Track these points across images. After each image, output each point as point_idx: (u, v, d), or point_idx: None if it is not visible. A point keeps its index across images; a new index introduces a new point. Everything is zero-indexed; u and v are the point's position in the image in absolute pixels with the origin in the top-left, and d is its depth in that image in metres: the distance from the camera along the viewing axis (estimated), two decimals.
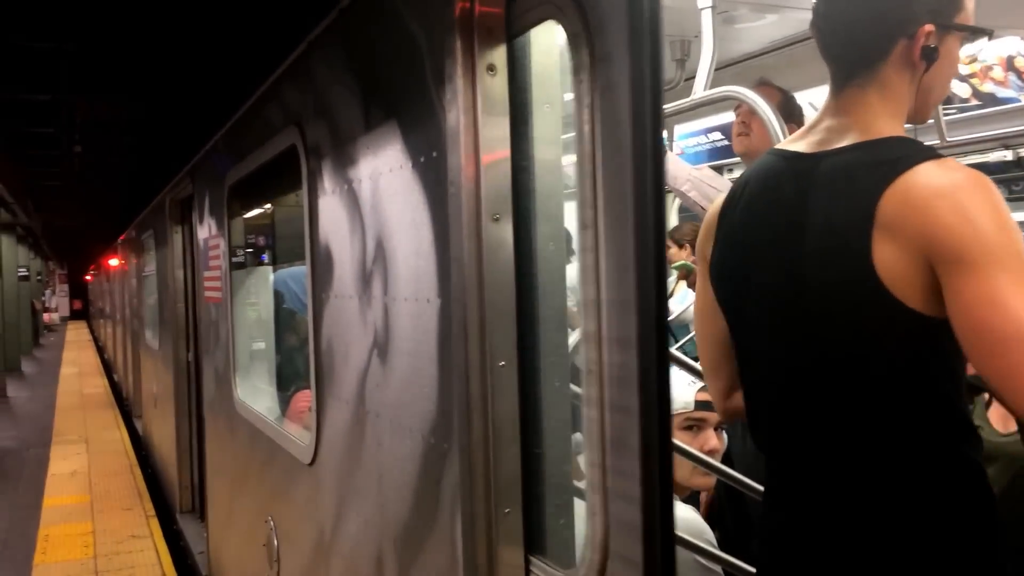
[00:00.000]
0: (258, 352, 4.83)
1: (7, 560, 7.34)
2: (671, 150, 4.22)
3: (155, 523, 7.69)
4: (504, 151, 1.95)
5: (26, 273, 24.51)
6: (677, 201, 6.08)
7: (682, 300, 5.71)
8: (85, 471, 9.75)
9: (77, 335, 32.15)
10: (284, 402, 4.43)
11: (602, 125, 1.49)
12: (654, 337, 1.38)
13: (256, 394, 4.53)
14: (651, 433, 1.39)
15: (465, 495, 1.97)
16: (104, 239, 22.10)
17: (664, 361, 1.39)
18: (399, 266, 2.31)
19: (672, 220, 6.43)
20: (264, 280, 4.92)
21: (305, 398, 4.24)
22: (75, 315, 44.39)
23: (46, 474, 9.75)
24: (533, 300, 1.94)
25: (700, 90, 2.84)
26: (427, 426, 2.18)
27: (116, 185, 13.02)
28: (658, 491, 1.41)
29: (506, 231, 1.95)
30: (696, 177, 3.76)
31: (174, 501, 7.63)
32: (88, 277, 39.07)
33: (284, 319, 4.63)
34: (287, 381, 4.57)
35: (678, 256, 5.99)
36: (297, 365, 4.63)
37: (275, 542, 3.70)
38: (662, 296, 1.39)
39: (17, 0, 5.06)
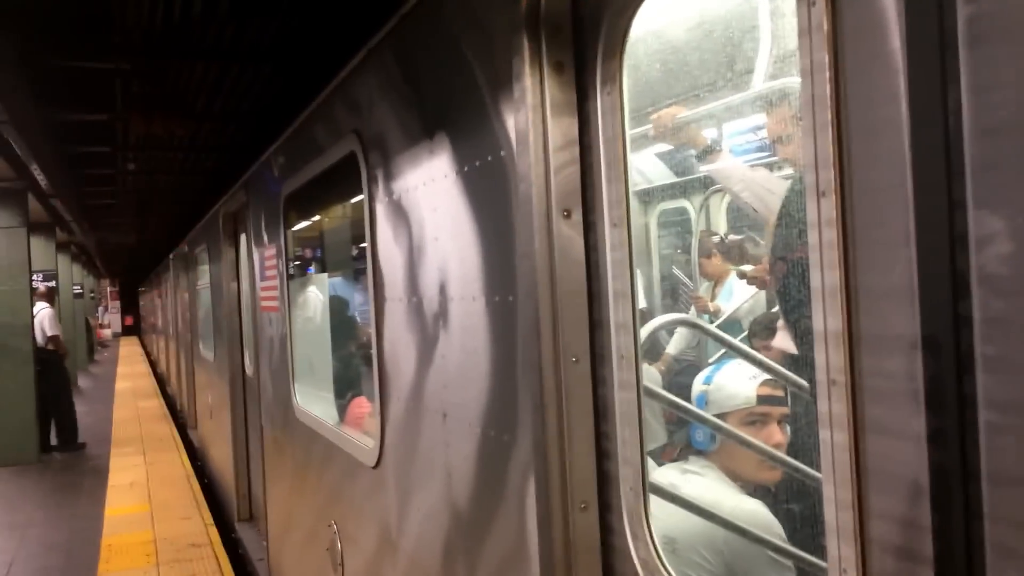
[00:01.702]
0: (316, 359, 4.87)
1: (73, 569, 7.52)
2: (721, 147, 4.20)
3: (214, 531, 7.74)
4: (573, 147, 1.95)
5: (80, 290, 25.08)
6: (726, 199, 6.03)
7: (729, 295, 5.64)
8: (144, 482, 9.90)
9: (129, 351, 32.75)
10: (342, 408, 4.47)
11: (850, 57, 1.14)
12: (951, 337, 1.01)
13: (315, 401, 4.57)
14: (950, 468, 1.02)
15: (540, 491, 1.97)
16: (156, 254, 22.50)
17: (968, 370, 1.00)
18: (466, 266, 2.32)
19: (721, 221, 6.38)
20: (321, 288, 4.97)
21: (361, 404, 4.28)
22: (127, 331, 45.24)
23: (106, 485, 9.91)
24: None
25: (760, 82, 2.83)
26: (498, 424, 2.18)
27: (168, 201, 13.21)
28: (964, 550, 1.01)
29: (576, 227, 1.95)
30: (750, 178, 3.71)
31: (232, 510, 7.73)
32: (140, 292, 39.83)
33: (340, 326, 4.67)
34: (344, 388, 4.61)
35: (709, 265, 5.95)
36: (353, 371, 4.67)
37: (339, 546, 3.72)
38: (961, 281, 1.00)
39: (75, 24, 5.16)
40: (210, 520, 8.11)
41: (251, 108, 6.99)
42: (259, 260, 5.44)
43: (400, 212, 2.78)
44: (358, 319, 4.79)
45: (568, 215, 1.95)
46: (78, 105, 7.01)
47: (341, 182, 3.73)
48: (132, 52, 5.52)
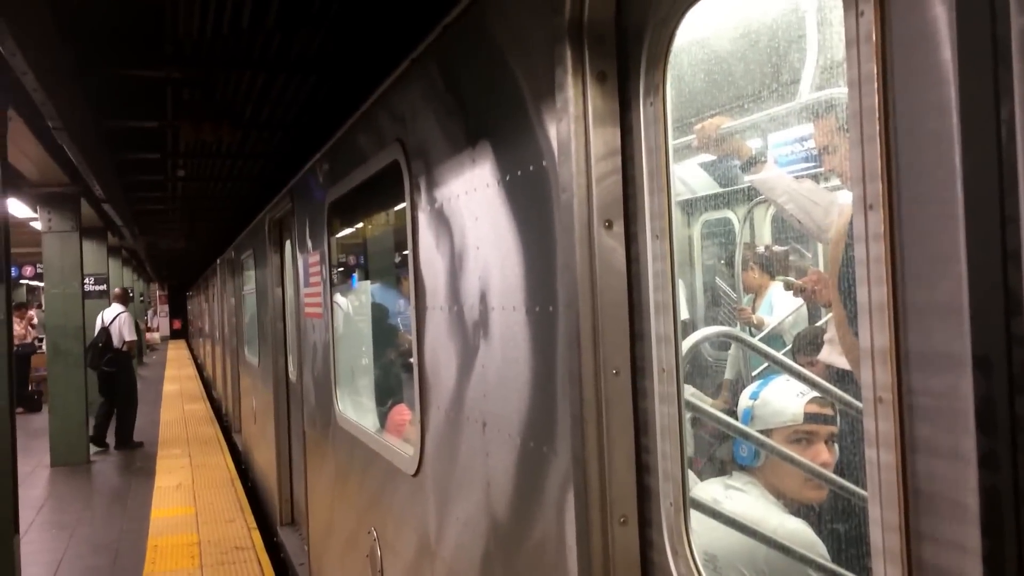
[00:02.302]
0: (357, 366, 4.90)
1: (119, 569, 7.57)
2: (766, 158, 4.15)
3: (257, 535, 7.85)
4: (615, 158, 1.94)
5: (130, 294, 25.53)
6: (771, 210, 5.96)
7: (768, 308, 5.56)
8: (189, 484, 10.04)
9: (177, 354, 33.31)
10: (382, 416, 4.49)
11: (899, 68, 1.11)
12: (1004, 356, 0.98)
13: (357, 408, 4.60)
14: (1001, 490, 0.99)
15: (579, 504, 1.96)
16: (204, 260, 22.89)
17: (1021, 390, 0.97)
18: (507, 276, 2.32)
19: (765, 232, 6.31)
20: (363, 295, 5.00)
21: (401, 412, 4.29)
22: (175, 335, 46.02)
23: (153, 486, 10.05)
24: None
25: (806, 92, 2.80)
26: (537, 435, 2.17)
27: (216, 207, 13.42)
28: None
29: (618, 237, 1.94)
30: (795, 190, 3.67)
31: (275, 514, 7.80)
32: (188, 297, 40.50)
33: (382, 333, 4.69)
34: (385, 395, 4.63)
35: (747, 277, 5.88)
36: (394, 379, 4.69)
37: (378, 552, 3.73)
38: (1013, 299, 0.97)
39: (128, 34, 5.25)
40: (253, 524, 8.20)
41: (297, 116, 7.09)
42: (303, 266, 5.50)
43: (442, 221, 2.79)
44: (399, 326, 4.82)
45: (610, 226, 1.94)
46: (130, 113, 7.16)
47: (384, 191, 3.75)
48: (183, 61, 5.63)
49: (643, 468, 1.94)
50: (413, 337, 3.08)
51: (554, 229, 2.03)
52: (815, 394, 2.52)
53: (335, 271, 4.77)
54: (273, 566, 6.99)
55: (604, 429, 1.94)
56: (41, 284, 20.62)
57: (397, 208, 3.57)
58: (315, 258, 5.01)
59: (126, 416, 13.43)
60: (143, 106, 6.92)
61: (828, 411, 2.51)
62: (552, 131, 2.03)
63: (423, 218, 2.98)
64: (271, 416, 7.67)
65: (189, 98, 6.50)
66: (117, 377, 13.19)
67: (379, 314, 4.82)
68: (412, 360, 3.13)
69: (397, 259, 4.75)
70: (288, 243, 6.68)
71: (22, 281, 27.94)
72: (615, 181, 1.94)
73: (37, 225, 12.99)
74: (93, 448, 12.75)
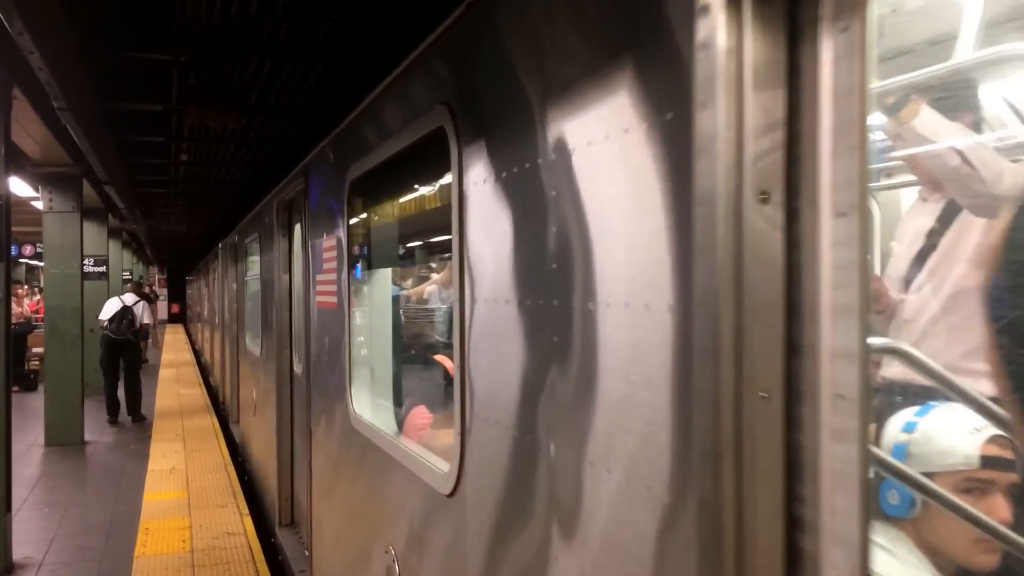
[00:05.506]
0: (376, 361, 4.30)
1: (110, 550, 7.26)
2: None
3: (248, 521, 7.43)
4: (778, 107, 1.37)
5: (130, 276, 24.80)
6: None
7: None
8: (183, 469, 9.58)
9: (174, 339, 32.44)
10: (399, 418, 3.91)
11: None
12: None
13: (373, 408, 4.01)
14: None
15: (707, 567, 1.40)
16: (204, 244, 22.23)
17: None
18: (604, 263, 1.74)
19: None
20: (385, 283, 4.40)
21: (421, 415, 3.73)
22: (173, 319, 44.92)
23: (147, 469, 9.58)
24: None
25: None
26: (645, 470, 1.60)
27: (218, 192, 12.97)
28: None
29: (776, 215, 1.38)
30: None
31: (273, 514, 7.17)
32: (187, 282, 39.55)
33: (408, 328, 4.11)
34: (404, 395, 4.06)
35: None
36: (417, 377, 4.12)
37: (397, 573, 3.16)
38: None
39: (135, 15, 4.90)
40: (245, 510, 7.82)
41: (303, 104, 6.75)
42: (316, 251, 4.89)
43: (505, 196, 2.20)
44: (430, 321, 4.24)
45: (766, 199, 1.37)
46: (135, 95, 6.80)
47: (422, 164, 3.16)
48: (190, 45, 5.32)
49: (796, 525, 1.38)
50: (456, 335, 2.49)
51: (686, 202, 1.47)
52: (995, 431, 1.93)
53: (354, 257, 4.15)
54: (269, 567, 6.43)
55: (745, 469, 1.38)
56: (40, 264, 20.01)
57: (439, 184, 2.98)
58: (331, 242, 4.40)
59: (137, 388, 13.95)
60: (148, 89, 6.54)
61: (1009, 454, 1.93)
62: (687, 71, 1.45)
63: (476, 194, 2.38)
64: (272, 408, 7.05)
65: (195, 82, 6.15)
66: (135, 347, 13.94)
67: (404, 306, 4.23)
68: (454, 360, 2.55)
69: (433, 243, 4.14)
70: (298, 227, 6.04)
71: (21, 260, 27.21)
72: (776, 140, 1.37)
73: (38, 205, 12.68)
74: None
